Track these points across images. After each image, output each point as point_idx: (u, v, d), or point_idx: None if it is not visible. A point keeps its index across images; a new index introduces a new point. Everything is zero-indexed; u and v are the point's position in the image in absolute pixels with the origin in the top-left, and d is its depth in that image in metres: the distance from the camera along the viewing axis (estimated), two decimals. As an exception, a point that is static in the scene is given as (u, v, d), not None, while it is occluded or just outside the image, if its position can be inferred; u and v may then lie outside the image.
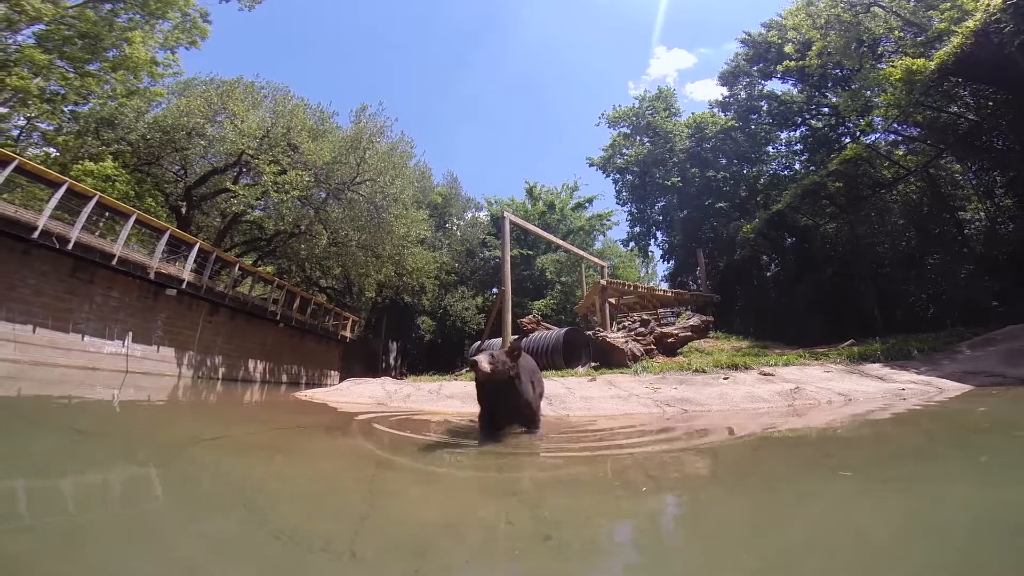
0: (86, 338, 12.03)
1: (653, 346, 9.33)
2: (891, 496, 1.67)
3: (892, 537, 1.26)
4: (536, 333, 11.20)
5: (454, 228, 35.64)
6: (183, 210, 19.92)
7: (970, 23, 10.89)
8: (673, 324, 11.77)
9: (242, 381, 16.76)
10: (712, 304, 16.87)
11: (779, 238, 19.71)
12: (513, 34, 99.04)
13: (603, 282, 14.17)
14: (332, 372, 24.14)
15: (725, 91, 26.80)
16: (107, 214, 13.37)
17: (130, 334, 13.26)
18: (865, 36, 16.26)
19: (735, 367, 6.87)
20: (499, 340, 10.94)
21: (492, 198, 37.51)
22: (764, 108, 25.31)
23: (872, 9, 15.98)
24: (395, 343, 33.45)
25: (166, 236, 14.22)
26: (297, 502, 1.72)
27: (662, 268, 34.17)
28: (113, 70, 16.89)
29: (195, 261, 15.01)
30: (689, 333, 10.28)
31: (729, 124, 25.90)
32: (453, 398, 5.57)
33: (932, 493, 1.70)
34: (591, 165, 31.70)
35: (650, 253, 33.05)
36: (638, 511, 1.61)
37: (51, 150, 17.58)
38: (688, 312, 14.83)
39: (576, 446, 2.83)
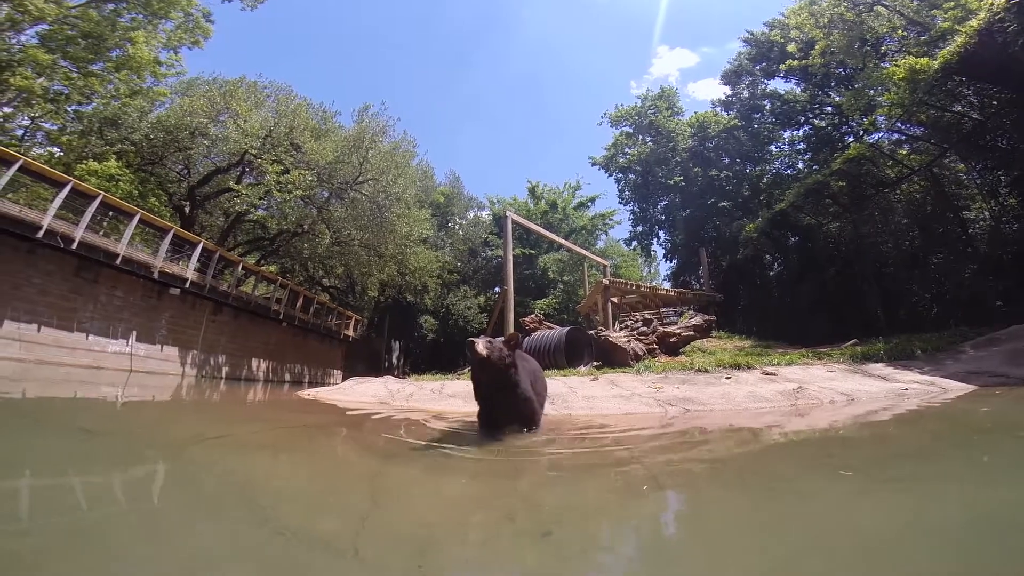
0: (91, 337, 12.10)
1: (655, 345, 9.31)
2: (893, 496, 1.67)
3: (894, 537, 1.25)
4: (538, 332, 11.19)
5: (456, 227, 35.66)
6: (186, 210, 20.00)
7: (974, 22, 10.83)
8: (676, 323, 11.77)
9: (245, 380, 16.83)
10: (715, 303, 16.83)
11: (782, 237, 19.62)
12: (515, 34, 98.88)
13: (605, 281, 14.15)
14: (335, 371, 24.21)
15: (728, 90, 26.75)
16: (111, 214, 13.43)
17: (134, 333, 13.32)
18: (868, 35, 16.19)
19: (738, 367, 6.84)
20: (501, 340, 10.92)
21: (494, 197, 37.68)
22: (767, 107, 25.21)
23: (875, 8, 15.90)
24: (398, 342, 33.50)
25: (170, 235, 14.28)
26: (299, 500, 1.72)
27: (664, 267, 34.29)
28: (116, 70, 16.96)
29: (199, 260, 15.07)
30: (692, 332, 10.25)
31: (732, 123, 25.79)
32: (455, 397, 5.56)
33: (934, 493, 1.70)
34: (593, 164, 31.69)
35: (652, 252, 33.10)
36: (639, 510, 1.62)
37: (55, 150, 17.67)
38: (691, 311, 14.83)
39: (578, 445, 2.83)
